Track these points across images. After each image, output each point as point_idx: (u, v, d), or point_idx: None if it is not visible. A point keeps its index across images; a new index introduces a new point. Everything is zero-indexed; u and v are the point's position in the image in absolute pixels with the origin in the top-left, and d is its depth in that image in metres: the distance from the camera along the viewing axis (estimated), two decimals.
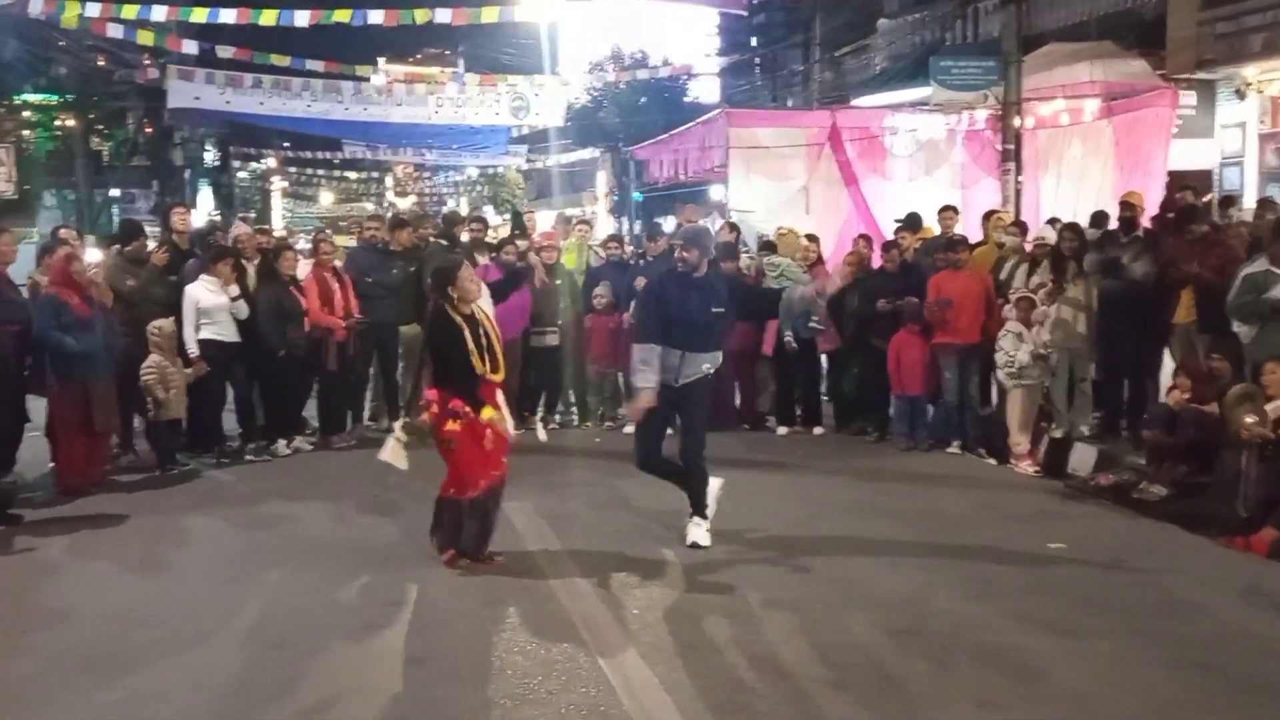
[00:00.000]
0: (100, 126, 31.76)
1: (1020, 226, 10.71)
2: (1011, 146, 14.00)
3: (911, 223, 10.98)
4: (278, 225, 37.94)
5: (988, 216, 11.05)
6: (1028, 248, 9.87)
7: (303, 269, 9.91)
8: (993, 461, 9.17)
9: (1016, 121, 13.96)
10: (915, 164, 14.82)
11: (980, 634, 5.21)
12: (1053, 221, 10.81)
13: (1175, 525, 7.17)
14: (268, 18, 16.95)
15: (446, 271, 6.37)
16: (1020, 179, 14.09)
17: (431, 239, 11.09)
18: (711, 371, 6.81)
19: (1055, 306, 9.15)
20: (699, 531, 6.68)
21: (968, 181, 14.77)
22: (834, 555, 6.51)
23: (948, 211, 10.97)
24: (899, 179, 14.72)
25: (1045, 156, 14.83)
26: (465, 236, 11.34)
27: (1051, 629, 5.27)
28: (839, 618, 5.43)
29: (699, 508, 6.74)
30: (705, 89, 31.95)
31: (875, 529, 7.15)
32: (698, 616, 5.47)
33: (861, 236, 11.36)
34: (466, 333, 6.14)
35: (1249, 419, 6.91)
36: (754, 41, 29.34)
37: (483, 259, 10.59)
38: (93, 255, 9.51)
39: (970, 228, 11.50)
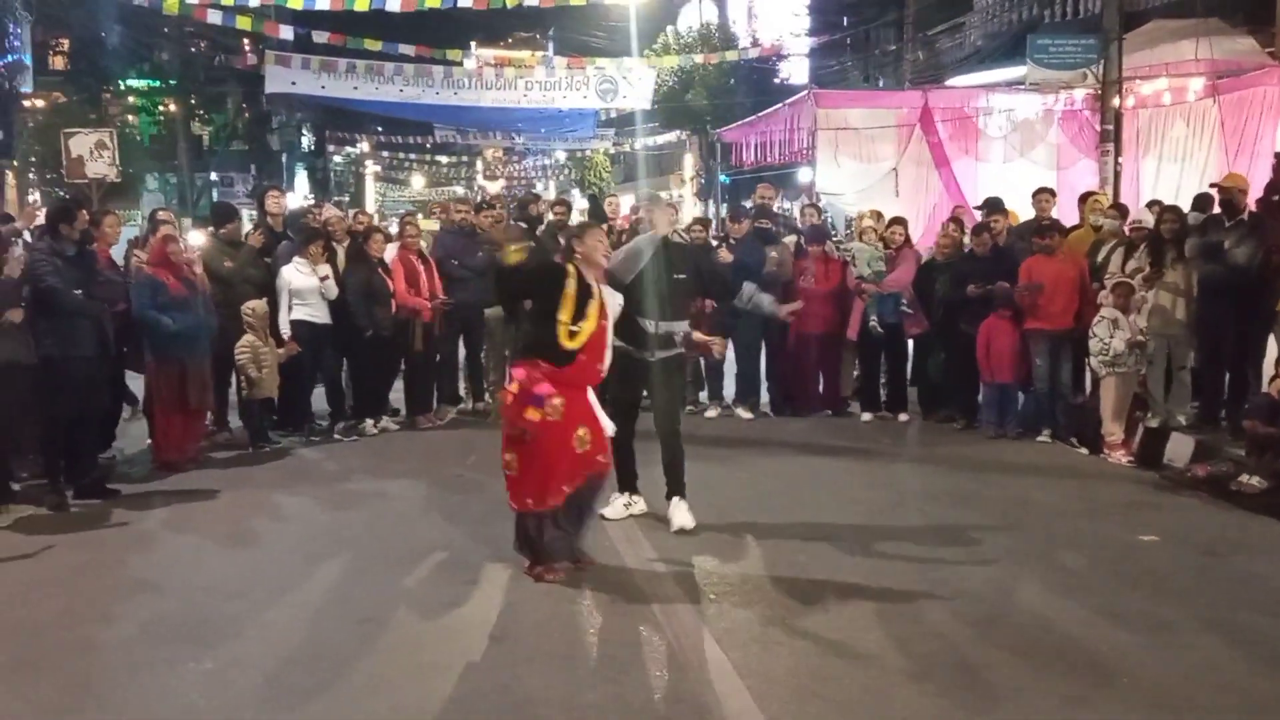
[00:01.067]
0: (201, 111, 32.65)
1: (1120, 209, 10.37)
2: (1111, 127, 13.62)
3: (992, 206, 10.70)
4: (370, 209, 38.60)
5: (1084, 199, 10.73)
6: (1126, 231, 9.56)
7: (390, 252, 10.04)
8: (1084, 451, 8.93)
9: (1116, 101, 13.56)
10: (1010, 145, 14.51)
11: (1067, 627, 5.07)
12: (1152, 204, 10.46)
13: (1274, 519, 6.92)
14: (362, 3, 17.19)
15: (582, 226, 6.40)
16: (1120, 160, 13.69)
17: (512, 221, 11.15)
18: (683, 347, 6.77)
19: (1153, 292, 8.86)
20: (681, 514, 6.57)
21: (1065, 163, 14.41)
22: (917, 544, 6.40)
23: (1043, 194, 10.67)
24: (993, 160, 14.42)
25: (1146, 137, 14.39)
26: (550, 217, 11.37)
27: (1141, 624, 5.11)
28: (920, 607, 5.34)
29: (678, 487, 6.65)
30: (795, 69, 31.60)
31: (961, 518, 7.02)
32: (775, 602, 5.42)
33: (953, 219, 11.08)
34: (570, 290, 5.77)
35: None
36: (845, 21, 28.90)
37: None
38: (194, 238, 9.76)
39: (1067, 210, 11.20)
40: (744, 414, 10.34)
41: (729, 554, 6.18)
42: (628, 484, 6.83)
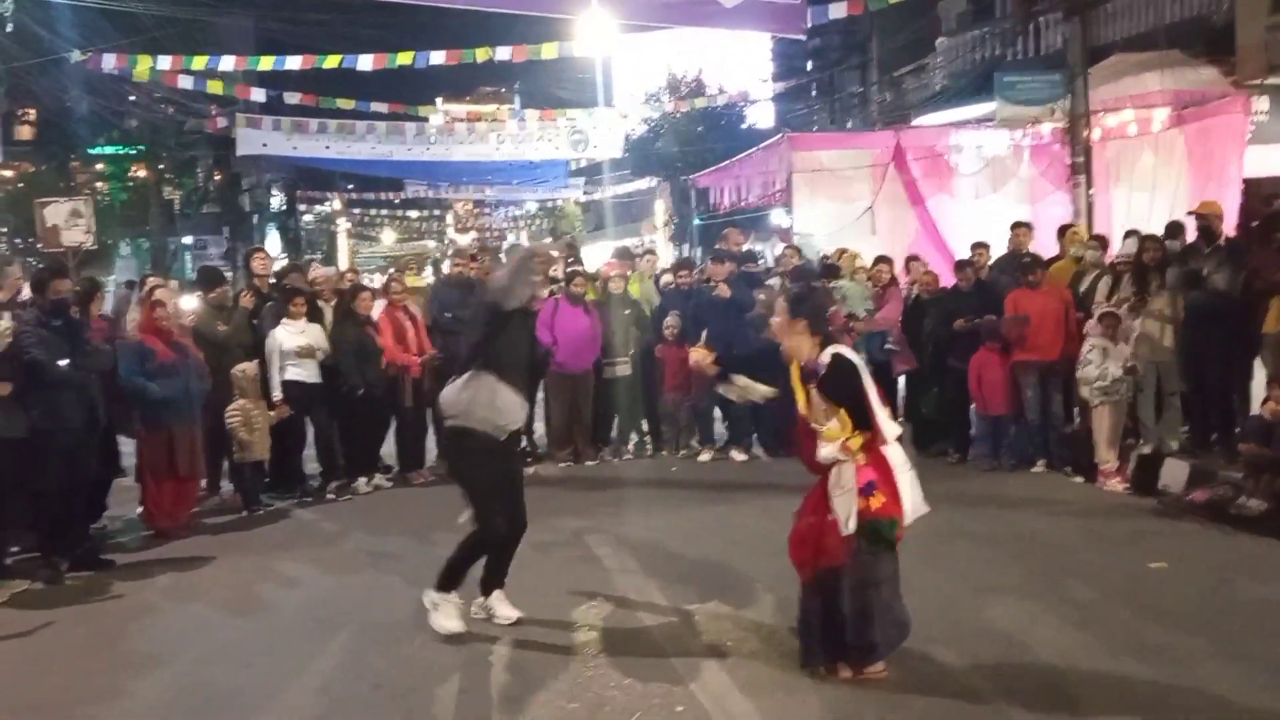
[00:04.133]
0: (171, 176, 32.60)
1: (1099, 240, 10.51)
2: (1081, 159, 13.79)
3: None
4: (344, 266, 38.54)
5: (1063, 231, 10.86)
6: (1108, 262, 9.68)
7: (376, 309, 10.02)
8: (1080, 480, 8.97)
9: (1085, 134, 13.76)
10: (982, 180, 14.66)
11: (1088, 663, 5.05)
12: (1130, 234, 10.59)
13: (1277, 540, 6.95)
14: (331, 62, 17.29)
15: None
16: (1091, 191, 13.87)
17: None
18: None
19: (1140, 320, 8.96)
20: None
21: (1037, 196, 14.57)
22: (925, 584, 6.33)
23: (1021, 228, 10.81)
24: (966, 196, 14.57)
25: (1116, 168, 14.58)
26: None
27: (1162, 656, 5.10)
28: (936, 649, 5.28)
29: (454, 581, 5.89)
30: (761, 115, 31.96)
31: (966, 554, 7.01)
32: (792, 646, 5.37)
33: (911, 258, 11.19)
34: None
35: None
36: (809, 65, 29.32)
37: (543, 292, 10.58)
38: (187, 302, 9.70)
39: (1042, 243, 11.32)
40: (738, 456, 10.33)
41: (741, 601, 6.13)
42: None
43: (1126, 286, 9.15)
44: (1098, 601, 5.97)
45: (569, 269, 11.19)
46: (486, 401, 5.63)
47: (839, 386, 4.91)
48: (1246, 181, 13.05)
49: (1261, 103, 13.86)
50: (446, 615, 5.74)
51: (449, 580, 5.82)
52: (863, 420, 4.89)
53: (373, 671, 5.34)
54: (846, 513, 4.77)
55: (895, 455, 4.92)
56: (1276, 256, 8.50)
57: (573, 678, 5.13)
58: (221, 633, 6.09)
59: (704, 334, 9.60)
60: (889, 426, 4.95)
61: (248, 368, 8.82)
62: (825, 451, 4.90)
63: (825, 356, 4.97)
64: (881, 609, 4.88)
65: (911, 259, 11.15)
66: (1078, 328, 9.18)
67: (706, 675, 5.04)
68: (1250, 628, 5.46)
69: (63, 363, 7.13)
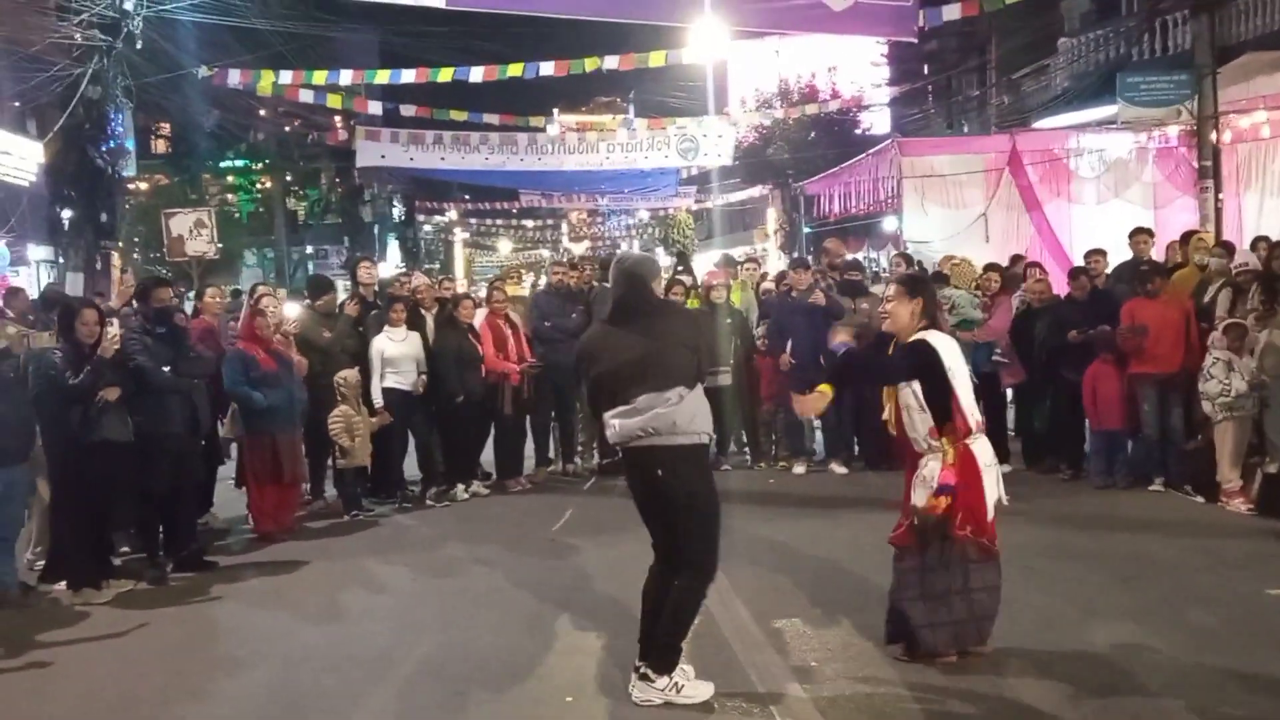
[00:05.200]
0: (295, 187, 33.67)
1: (1226, 247, 9.98)
2: (1209, 163, 13.22)
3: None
4: (460, 275, 39.24)
5: (1186, 238, 10.35)
6: (1233, 270, 9.18)
7: (478, 317, 10.13)
8: (1200, 499, 8.51)
9: (1213, 136, 13.15)
10: (1103, 185, 14.18)
11: (1199, 693, 4.73)
12: (1258, 242, 10.04)
13: None
14: (445, 75, 17.60)
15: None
16: (1220, 197, 13.24)
17: (596, 282, 11.16)
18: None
19: (1266, 332, 8.46)
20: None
21: (1162, 201, 14.01)
22: (1030, 604, 6.07)
23: (1141, 235, 10.34)
24: (1086, 201, 14.10)
25: (1247, 172, 13.92)
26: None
27: (1277, 687, 4.77)
28: (1038, 673, 5.05)
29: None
30: (877, 120, 31.43)
31: (1074, 574, 6.69)
32: (881, 668, 5.19)
33: (1032, 264, 10.78)
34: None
35: None
36: (926, 69, 28.71)
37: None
38: (290, 310, 9.94)
39: (1166, 250, 10.83)
40: (838, 469, 10.11)
41: (830, 618, 5.95)
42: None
43: (1254, 296, 8.64)
44: (1212, 629, 5.63)
45: (672, 278, 11.13)
46: (706, 413, 5.01)
47: (912, 360, 5.06)
48: None
49: None
50: (694, 687, 4.85)
51: (674, 653, 4.88)
52: (943, 409, 5.02)
53: (459, 674, 5.35)
54: (917, 501, 5.04)
55: (982, 452, 5.09)
56: None
57: None
58: (312, 636, 6.18)
59: (789, 344, 9.44)
60: (980, 418, 5.13)
61: (349, 375, 8.98)
62: (915, 437, 5.12)
63: (918, 336, 5.11)
64: (927, 600, 5.11)
65: (1030, 265, 10.73)
66: (1200, 339, 8.72)
67: (789, 696, 4.89)
68: None
69: (166, 369, 7.35)
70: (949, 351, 5.07)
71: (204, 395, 7.83)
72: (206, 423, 7.89)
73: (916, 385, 5.08)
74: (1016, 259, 11.41)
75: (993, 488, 5.11)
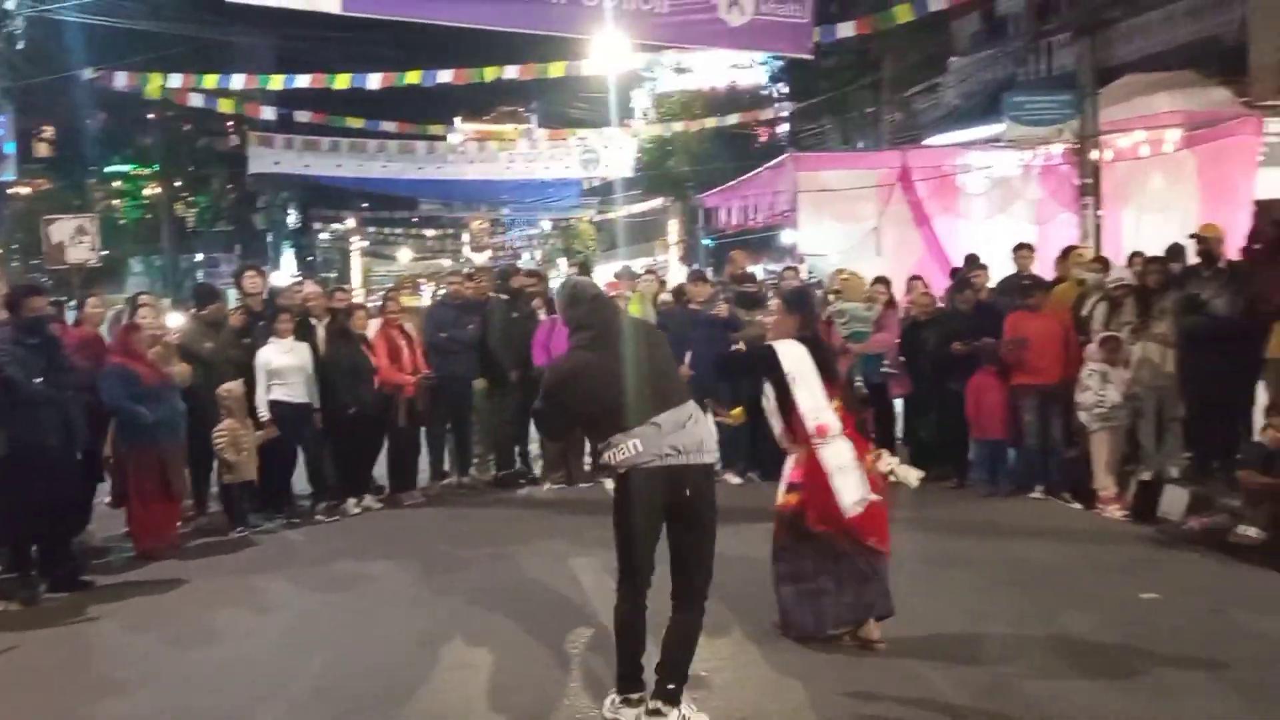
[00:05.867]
0: (185, 194, 32.78)
1: (1102, 262, 10.36)
2: (1090, 180, 13.67)
3: (971, 262, 10.74)
4: (357, 284, 38.65)
5: (1066, 253, 10.72)
6: (1109, 285, 9.53)
7: (372, 328, 9.98)
8: (1079, 506, 8.81)
9: (1094, 155, 13.63)
10: (990, 201, 14.56)
11: (1075, 695, 4.90)
12: (1134, 257, 10.43)
13: (1274, 570, 6.79)
14: (341, 81, 17.33)
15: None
16: (1100, 213, 13.72)
17: (491, 294, 11.09)
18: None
19: (1141, 344, 8.80)
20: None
21: (1044, 217, 14.43)
22: (916, 610, 6.21)
23: (1023, 250, 10.68)
24: (973, 217, 14.46)
25: (1125, 190, 14.42)
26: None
27: (1152, 688, 4.97)
28: (924, 677, 5.18)
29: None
30: (773, 134, 31.89)
31: (960, 581, 6.86)
32: (775, 674, 5.26)
33: (915, 278, 11.08)
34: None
35: None
36: (822, 85, 29.23)
37: (542, 313, 10.59)
38: (173, 319, 9.65)
39: (1048, 264, 11.18)
40: (732, 479, 10.20)
41: (721, 627, 5.99)
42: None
43: (1129, 310, 8.98)
44: (1090, 631, 5.83)
45: None
46: (711, 433, 4.96)
47: (754, 361, 5.77)
48: (1258, 204, 12.87)
49: (1274, 124, 13.66)
50: (698, 718, 4.72)
51: (684, 684, 4.73)
52: (784, 406, 5.54)
53: (352, 693, 5.25)
54: (780, 496, 5.68)
55: (832, 455, 5.42)
56: None
57: (553, 703, 5.02)
58: (198, 656, 6.00)
59: (688, 355, 9.56)
60: (825, 423, 5.44)
61: (233, 387, 8.75)
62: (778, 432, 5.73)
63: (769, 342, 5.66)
64: (793, 589, 5.63)
65: (913, 279, 11.01)
66: (1079, 351, 9.03)
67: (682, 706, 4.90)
68: (1243, 660, 5.31)
69: (38, 380, 7.06)
70: (793, 359, 5.37)
71: (81, 408, 7.54)
72: (84, 436, 7.59)
73: (769, 390, 5.58)
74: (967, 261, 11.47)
75: (852, 489, 5.38)
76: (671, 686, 4.63)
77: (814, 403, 5.43)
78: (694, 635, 4.76)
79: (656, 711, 4.60)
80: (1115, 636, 5.73)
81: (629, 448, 4.61)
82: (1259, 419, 8.21)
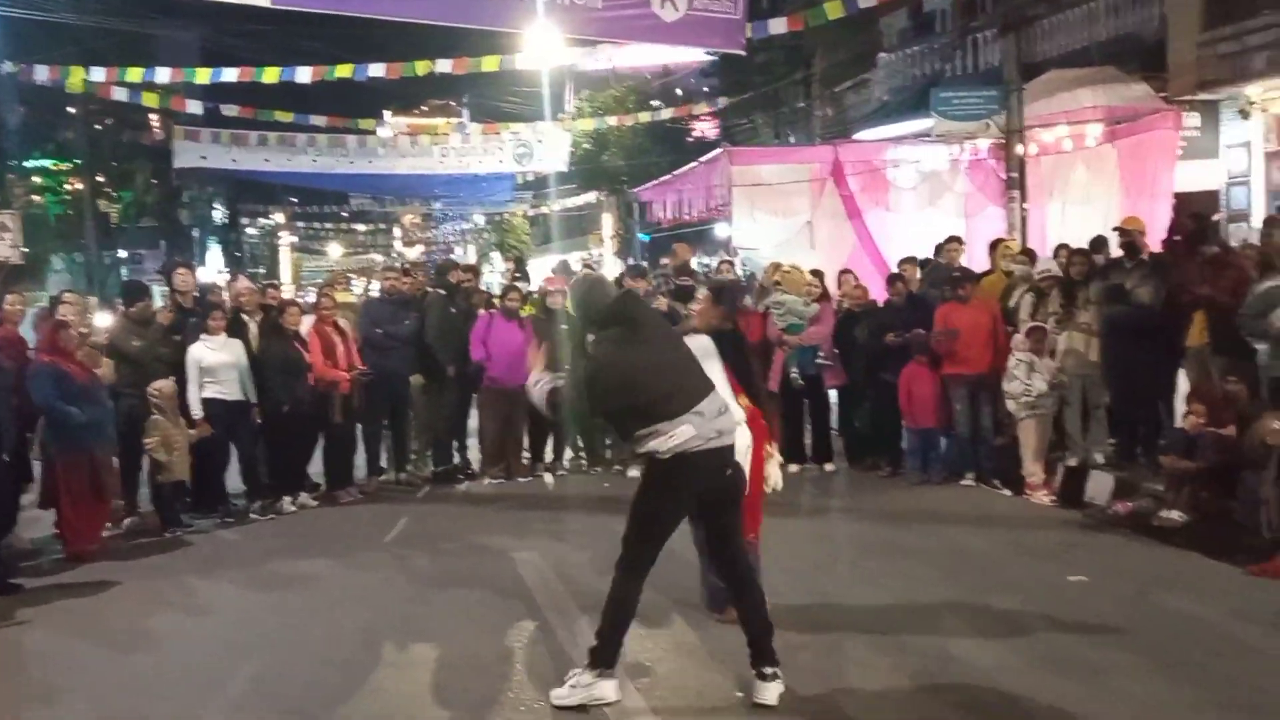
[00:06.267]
0: (108, 189, 32.01)
1: (1029, 255, 10.60)
2: (1015, 174, 13.93)
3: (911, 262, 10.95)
4: (287, 280, 38.11)
5: (994, 245, 10.95)
6: (1036, 276, 9.75)
7: (305, 324, 9.87)
8: (1008, 493, 9.03)
9: (1019, 149, 13.90)
10: (919, 195, 14.75)
11: (1009, 677, 5.02)
12: (1060, 249, 10.68)
13: (1198, 553, 7.02)
14: (270, 75, 17.07)
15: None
16: (1025, 206, 14.00)
17: (429, 289, 11.04)
18: None
19: (1066, 334, 9.02)
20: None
21: (972, 211, 14.67)
22: (852, 597, 6.36)
23: (952, 243, 10.90)
24: (903, 210, 14.64)
25: (1050, 183, 14.73)
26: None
27: (1082, 669, 5.11)
28: (861, 661, 5.28)
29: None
30: (708, 128, 32.02)
31: (894, 568, 6.99)
32: (712, 665, 5.31)
33: (843, 272, 11.26)
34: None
35: (1276, 424, 6.76)
36: (754, 80, 29.46)
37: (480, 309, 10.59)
38: (101, 319, 9.45)
39: (977, 257, 11.40)
40: None
41: (660, 617, 6.05)
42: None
43: (1054, 301, 9.21)
44: (1020, 614, 5.98)
45: (508, 284, 11.12)
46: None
47: None
48: (1177, 196, 13.24)
49: (1192, 119, 14.06)
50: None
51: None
52: None
53: (290, 695, 5.20)
54: None
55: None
56: (1200, 271, 8.59)
57: (491, 701, 5.02)
58: (132, 660, 5.89)
59: None
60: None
61: (164, 386, 8.60)
62: None
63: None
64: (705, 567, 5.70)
65: (843, 272, 11.18)
66: (1007, 342, 9.24)
67: (624, 700, 4.94)
68: (1166, 639, 5.49)
69: None
70: (701, 349, 5.39)
71: (8, 409, 7.36)
72: (10, 437, 7.41)
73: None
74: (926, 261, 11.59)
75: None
76: (771, 663, 4.84)
77: (722, 390, 5.52)
78: (764, 598, 5.03)
79: (775, 675, 4.82)
80: (1044, 618, 5.88)
81: (679, 434, 4.75)
82: (1180, 406, 8.47)
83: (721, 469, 4.89)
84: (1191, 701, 4.71)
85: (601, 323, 5.00)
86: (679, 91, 32.63)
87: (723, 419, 4.88)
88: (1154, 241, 9.97)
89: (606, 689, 4.85)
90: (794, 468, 10.25)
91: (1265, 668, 5.10)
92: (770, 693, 4.78)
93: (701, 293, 6.38)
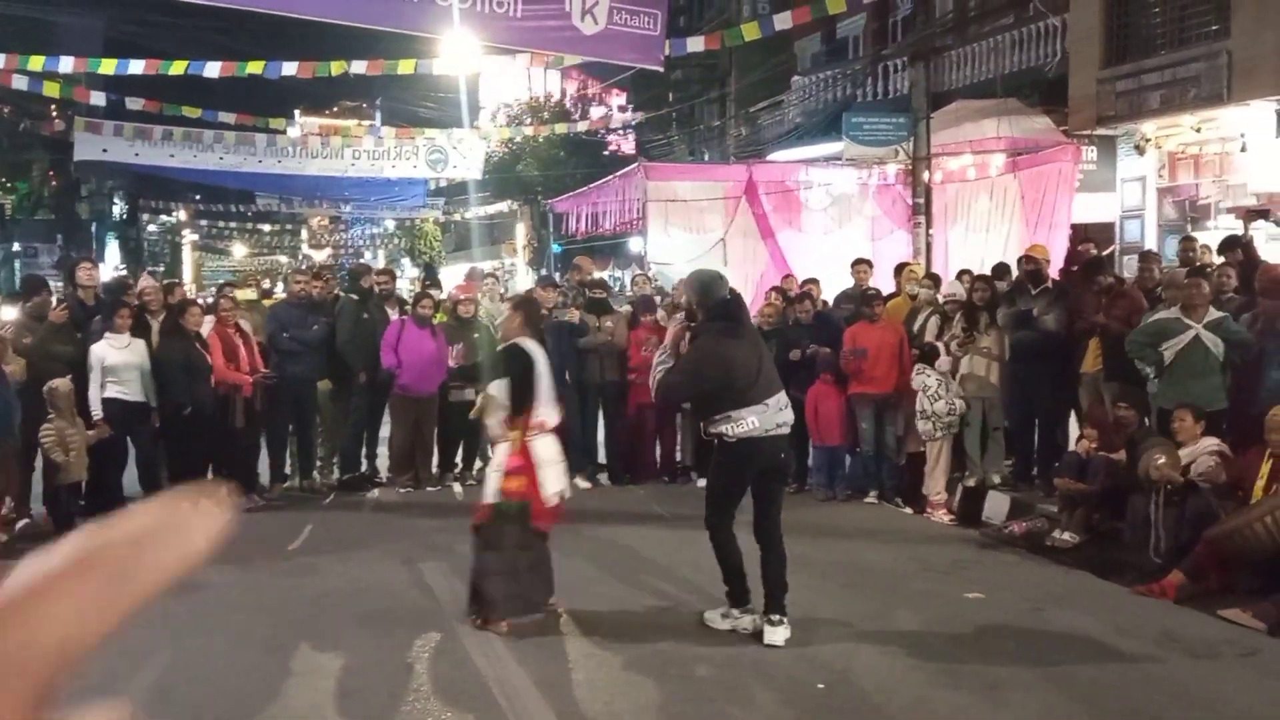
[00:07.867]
0: (2, 180, 30.92)
1: (933, 279, 10.90)
2: (921, 200, 14.30)
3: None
4: (188, 279, 37.20)
5: (900, 269, 11.23)
6: (940, 300, 10.03)
7: (206, 325, 9.66)
8: (909, 511, 9.25)
9: (925, 176, 14.28)
10: (829, 217, 15.08)
11: (904, 691, 5.18)
12: (962, 274, 11.00)
13: (1088, 572, 7.28)
14: (177, 68, 16.67)
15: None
16: (930, 231, 14.39)
17: (341, 293, 10.91)
18: None
19: (968, 358, 9.29)
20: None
21: (879, 234, 15.05)
22: (757, 609, 6.44)
23: (861, 265, 11.15)
24: (814, 231, 14.95)
25: (954, 209, 15.18)
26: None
27: (976, 682, 5.27)
28: (765, 674, 5.37)
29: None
30: (623, 142, 32.20)
31: (798, 582, 6.99)
32: (625, 673, 5.36)
33: (776, 289, 11.43)
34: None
35: (1160, 459, 7.05)
36: (670, 96, 29.73)
37: (393, 313, 10.51)
38: (7, 313, 9.13)
39: (883, 279, 11.67)
40: (582, 484, 10.29)
41: (570, 630, 6.08)
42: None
43: (957, 324, 9.48)
44: (918, 630, 6.14)
45: (420, 291, 11.06)
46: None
47: (506, 365, 6.09)
48: (1074, 227, 13.74)
49: (1090, 152, 14.64)
50: None
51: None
52: (518, 404, 5.94)
53: (190, 705, 5.11)
54: (491, 485, 6.03)
55: (543, 448, 5.97)
56: (1096, 299, 8.94)
57: (394, 708, 4.99)
58: None
59: None
60: (545, 419, 6.03)
61: (60, 384, 8.34)
62: (490, 424, 6.23)
63: (514, 340, 6.16)
64: (503, 574, 5.93)
65: (775, 289, 11.35)
66: (911, 363, 9.47)
67: (529, 708, 4.96)
68: (1060, 656, 5.69)
69: None
70: (540, 357, 6.06)
71: None
72: None
73: (504, 383, 6.05)
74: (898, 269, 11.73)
75: (554, 480, 6.02)
76: (780, 612, 5.74)
77: (549, 398, 6.10)
78: (785, 561, 5.90)
79: (782, 621, 5.72)
80: (943, 634, 6.05)
81: (749, 423, 5.64)
82: (1076, 430, 8.79)
83: (777, 453, 5.91)
84: (1074, 713, 4.91)
85: (711, 313, 5.82)
86: (595, 103, 32.73)
87: (784, 413, 5.78)
88: (1053, 270, 10.33)
89: (745, 622, 5.84)
90: (702, 482, 10.35)
91: (1141, 679, 5.34)
92: (778, 635, 5.65)
93: (507, 306, 7.02)
